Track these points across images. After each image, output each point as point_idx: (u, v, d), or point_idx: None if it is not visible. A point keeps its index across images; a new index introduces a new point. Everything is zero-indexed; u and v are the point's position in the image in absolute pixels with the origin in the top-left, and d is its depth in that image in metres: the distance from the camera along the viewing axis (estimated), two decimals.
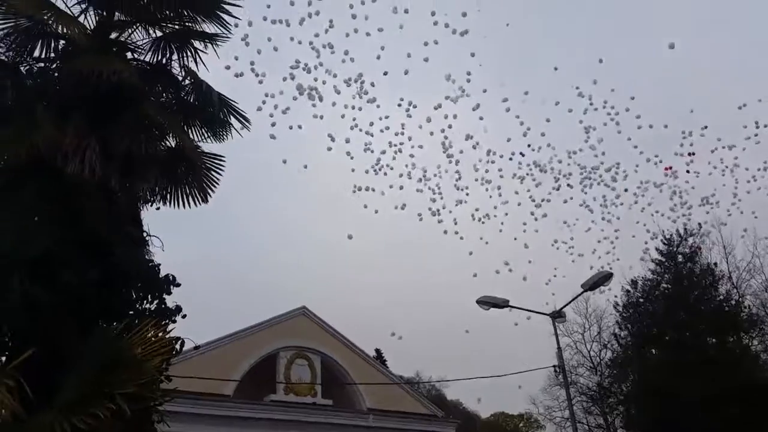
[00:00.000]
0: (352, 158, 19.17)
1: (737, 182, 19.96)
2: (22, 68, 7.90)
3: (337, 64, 17.54)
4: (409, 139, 19.19)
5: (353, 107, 18.44)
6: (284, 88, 17.29)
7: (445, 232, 20.28)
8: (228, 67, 15.69)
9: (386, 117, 18.91)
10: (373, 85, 17.96)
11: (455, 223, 20.45)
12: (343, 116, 18.52)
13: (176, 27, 8.79)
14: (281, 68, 17.61)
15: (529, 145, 19.81)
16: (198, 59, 8.90)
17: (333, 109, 18.41)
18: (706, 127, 19.43)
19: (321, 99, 17.53)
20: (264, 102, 17.29)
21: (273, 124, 17.76)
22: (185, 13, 8.74)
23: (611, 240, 20.72)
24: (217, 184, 9.34)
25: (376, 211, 19.92)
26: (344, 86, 17.83)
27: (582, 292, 18.29)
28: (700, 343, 24.41)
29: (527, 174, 20.05)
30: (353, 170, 19.30)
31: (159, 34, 8.75)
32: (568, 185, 20.11)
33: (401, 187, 19.62)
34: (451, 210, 20.02)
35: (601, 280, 17.01)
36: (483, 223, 20.45)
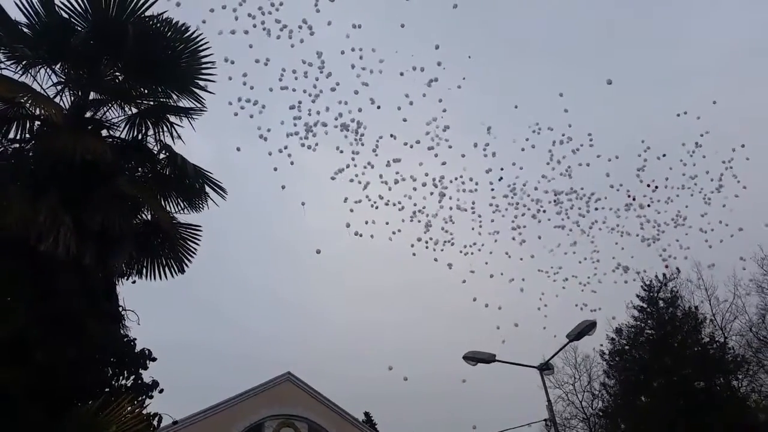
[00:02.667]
0: (346, 200, 19.38)
1: (704, 195, 20.55)
2: None
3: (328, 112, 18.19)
4: (397, 173, 19.60)
5: (351, 153, 18.95)
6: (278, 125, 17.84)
7: (435, 260, 20.37)
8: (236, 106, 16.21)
9: (375, 156, 19.39)
10: (363, 127, 18.60)
11: (449, 267, 20.68)
12: (340, 150, 18.99)
13: (151, 103, 9.03)
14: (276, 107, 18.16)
15: (501, 179, 20.42)
16: (174, 133, 9.09)
17: (326, 148, 18.94)
18: (662, 157, 20.34)
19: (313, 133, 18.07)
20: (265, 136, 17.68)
21: (276, 168, 18.31)
22: (160, 89, 9.01)
23: (592, 261, 21.07)
24: (194, 253, 9.38)
25: (372, 236, 19.85)
26: (338, 130, 18.52)
27: (567, 343, 18.24)
28: (688, 389, 24.29)
29: (508, 205, 20.56)
30: (345, 200, 19.34)
31: (134, 110, 8.97)
32: (543, 210, 20.64)
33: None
34: (442, 248, 20.28)
35: (585, 329, 17.04)
36: (467, 255, 20.71)
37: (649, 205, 20.37)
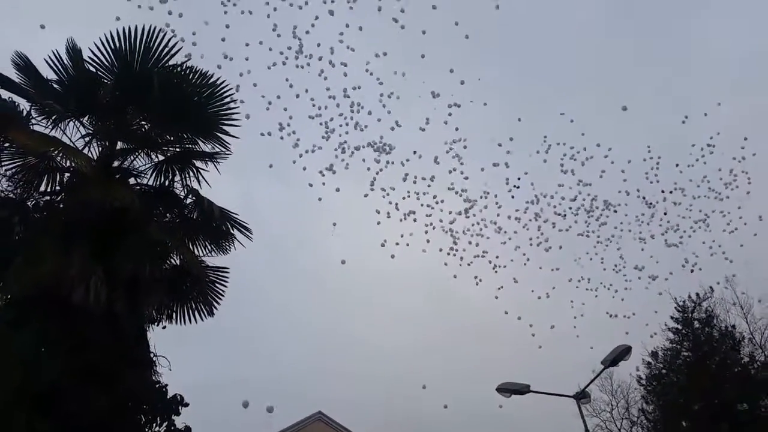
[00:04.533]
0: (377, 212, 19.68)
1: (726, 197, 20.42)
2: (29, 203, 8.18)
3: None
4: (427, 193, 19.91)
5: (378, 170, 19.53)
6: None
7: (454, 276, 20.58)
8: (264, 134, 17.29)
9: (402, 178, 19.82)
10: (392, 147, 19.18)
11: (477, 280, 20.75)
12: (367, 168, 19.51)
13: (177, 149, 9.17)
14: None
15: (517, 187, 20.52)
16: (200, 177, 9.21)
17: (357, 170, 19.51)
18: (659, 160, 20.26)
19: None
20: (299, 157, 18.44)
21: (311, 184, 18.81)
22: (186, 136, 9.15)
23: (617, 270, 20.91)
24: (223, 295, 9.40)
25: (408, 245, 20.13)
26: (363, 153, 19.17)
27: (603, 369, 17.75)
28: (730, 411, 23.39)
29: (532, 215, 20.66)
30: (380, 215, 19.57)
31: (161, 158, 9.11)
32: (564, 215, 20.79)
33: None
34: (470, 262, 20.48)
35: (621, 354, 16.59)
36: (497, 272, 20.81)
37: (665, 213, 20.41)
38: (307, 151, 18.78)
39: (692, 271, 21.43)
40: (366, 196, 19.44)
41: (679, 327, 27.39)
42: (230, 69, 16.13)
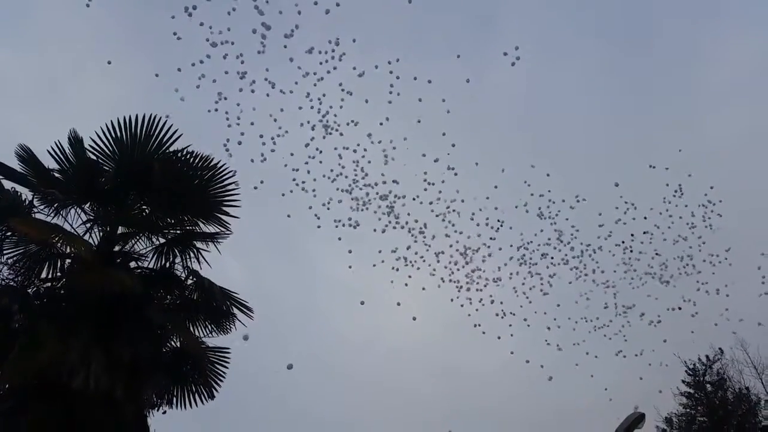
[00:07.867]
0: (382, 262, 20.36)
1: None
2: (29, 290, 8.17)
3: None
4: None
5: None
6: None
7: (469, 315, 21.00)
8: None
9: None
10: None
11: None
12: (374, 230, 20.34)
13: (178, 232, 9.29)
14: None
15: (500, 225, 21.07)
16: (200, 258, 9.26)
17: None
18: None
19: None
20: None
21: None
22: (186, 218, 9.29)
23: (624, 314, 21.06)
24: (224, 377, 9.21)
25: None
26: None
27: None
28: None
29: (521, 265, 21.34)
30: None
31: (162, 240, 9.20)
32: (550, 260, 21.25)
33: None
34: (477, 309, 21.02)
35: (634, 423, 16.10)
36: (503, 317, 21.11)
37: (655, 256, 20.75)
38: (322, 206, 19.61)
39: (680, 308, 21.49)
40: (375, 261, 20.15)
41: (692, 391, 26.76)
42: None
